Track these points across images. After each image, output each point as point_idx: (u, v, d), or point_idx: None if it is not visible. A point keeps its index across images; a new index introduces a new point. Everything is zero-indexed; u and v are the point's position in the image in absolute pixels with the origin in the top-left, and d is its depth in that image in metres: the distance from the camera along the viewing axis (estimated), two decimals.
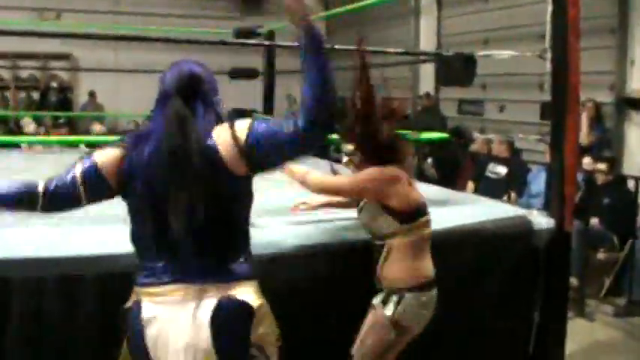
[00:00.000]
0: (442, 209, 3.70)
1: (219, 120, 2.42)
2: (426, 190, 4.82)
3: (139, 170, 2.36)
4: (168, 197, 2.30)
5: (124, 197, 2.45)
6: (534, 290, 3.90)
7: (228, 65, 8.38)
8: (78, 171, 2.39)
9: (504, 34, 9.60)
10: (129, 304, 2.41)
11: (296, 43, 2.36)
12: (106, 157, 2.41)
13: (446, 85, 5.99)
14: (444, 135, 4.45)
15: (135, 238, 2.44)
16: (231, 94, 9.90)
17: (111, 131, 11.50)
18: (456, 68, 4.22)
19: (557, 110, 4.00)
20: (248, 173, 2.39)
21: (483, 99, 10.97)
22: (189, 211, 2.28)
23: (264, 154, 2.33)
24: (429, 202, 4.08)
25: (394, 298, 2.95)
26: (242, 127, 2.35)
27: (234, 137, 2.32)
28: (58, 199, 2.41)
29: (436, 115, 11.21)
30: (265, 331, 2.42)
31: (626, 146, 8.18)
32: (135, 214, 2.42)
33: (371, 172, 3.00)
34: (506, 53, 4.82)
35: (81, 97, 14.83)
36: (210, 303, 2.31)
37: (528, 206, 7.18)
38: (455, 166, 8.63)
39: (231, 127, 2.36)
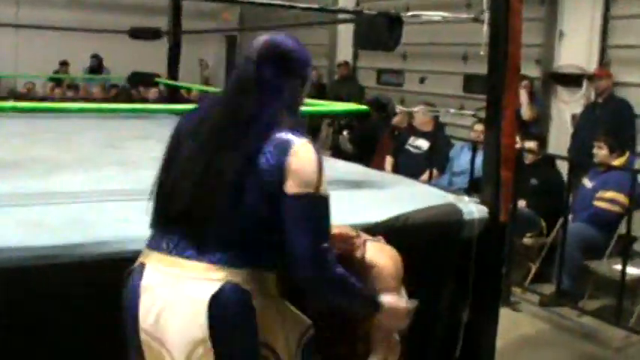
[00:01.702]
0: (360, 194, 3.18)
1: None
2: (341, 168, 4.37)
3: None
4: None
5: None
6: (463, 289, 3.41)
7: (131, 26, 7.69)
8: None
9: (427, 1, 9.12)
10: (135, 264, 2.18)
11: None
12: None
13: (365, 48, 5.39)
14: (363, 107, 3.85)
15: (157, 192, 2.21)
16: (134, 56, 9.37)
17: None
18: (379, 29, 3.63)
19: (495, 82, 3.48)
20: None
21: (403, 69, 10.57)
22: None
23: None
24: (344, 182, 3.58)
25: None
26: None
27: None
28: None
29: (354, 86, 10.84)
30: (277, 327, 2.15)
31: (553, 124, 7.84)
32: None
33: None
34: (437, 14, 4.27)
35: None
36: (211, 286, 2.02)
37: (450, 184, 6.85)
38: (373, 140, 8.11)
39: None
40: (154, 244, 2.15)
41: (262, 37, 2.19)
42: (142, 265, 2.13)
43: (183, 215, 2.09)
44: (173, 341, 2.04)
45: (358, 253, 2.43)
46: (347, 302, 2.23)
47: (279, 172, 2.02)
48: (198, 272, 2.04)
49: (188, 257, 2.07)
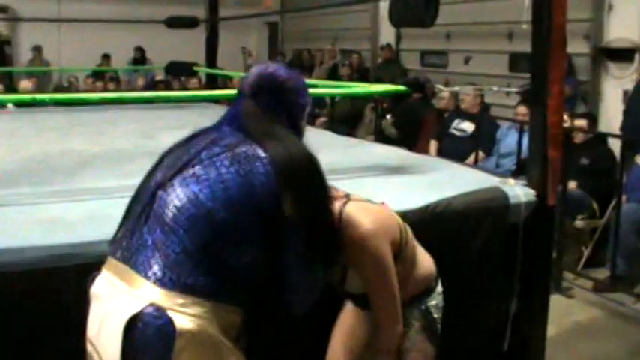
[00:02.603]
0: (397, 180, 3.02)
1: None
2: (384, 153, 4.21)
3: None
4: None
5: None
6: (511, 277, 3.23)
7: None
8: None
9: None
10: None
11: None
12: None
13: (400, 25, 5.20)
14: (400, 87, 3.68)
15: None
16: (175, 47, 9.33)
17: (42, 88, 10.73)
18: (415, 5, 3.45)
19: (539, 58, 3.29)
20: None
21: (447, 50, 10.41)
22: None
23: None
24: (383, 167, 3.42)
25: None
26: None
27: None
28: None
29: (397, 68, 10.70)
30: None
31: (603, 102, 7.58)
32: None
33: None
34: None
35: (21, 52, 13.91)
36: (136, 305, 1.82)
37: (497, 167, 6.64)
38: (417, 124, 7.90)
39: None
40: (111, 249, 2.01)
41: (254, 70, 2.13)
42: (99, 272, 1.99)
43: (138, 219, 1.96)
44: (106, 356, 1.87)
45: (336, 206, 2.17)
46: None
47: (272, 189, 1.92)
48: (133, 285, 1.86)
49: (131, 266, 1.89)
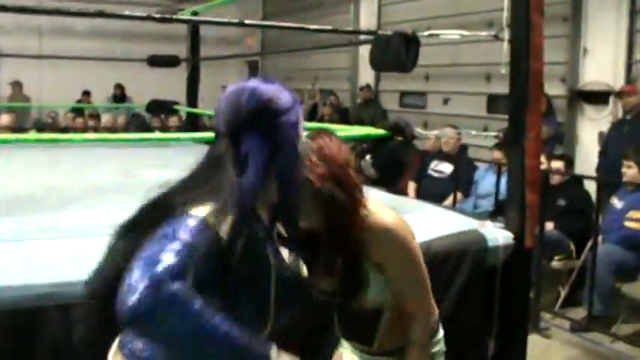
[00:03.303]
0: None
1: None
2: None
3: None
4: None
5: None
6: (489, 319, 3.26)
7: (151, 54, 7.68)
8: None
9: (449, 22, 9.01)
10: None
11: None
12: None
13: (381, 69, 5.25)
14: (382, 132, 3.72)
15: None
16: (156, 84, 9.33)
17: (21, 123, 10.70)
18: (396, 50, 3.51)
19: (517, 101, 3.36)
20: None
21: (426, 91, 10.49)
22: None
23: None
24: None
25: None
26: None
27: None
28: None
29: (376, 109, 10.77)
30: None
31: (579, 143, 7.67)
32: None
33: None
34: (455, 33, 4.14)
35: (1, 87, 13.88)
36: None
37: (476, 207, 6.69)
38: (396, 164, 7.96)
39: None
40: None
41: (227, 100, 1.79)
42: None
43: None
44: None
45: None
46: None
47: None
48: None
49: None
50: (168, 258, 1.52)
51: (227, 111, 1.75)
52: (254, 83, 1.78)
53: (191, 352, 1.54)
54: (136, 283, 1.48)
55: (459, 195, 6.82)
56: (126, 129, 10.20)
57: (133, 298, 1.46)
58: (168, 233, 1.59)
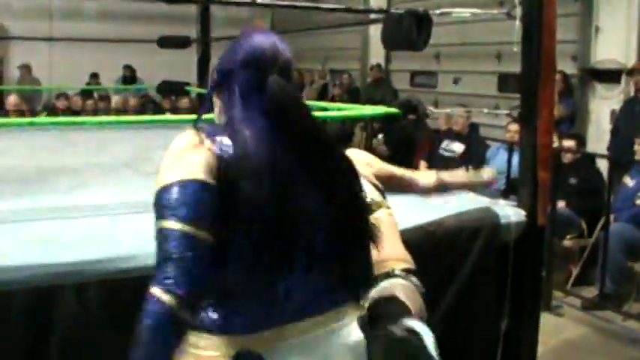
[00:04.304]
0: (394, 200, 3.04)
1: None
2: None
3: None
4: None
5: None
6: (502, 297, 3.26)
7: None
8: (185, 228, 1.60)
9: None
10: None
11: None
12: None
13: (393, 48, 5.25)
14: (393, 110, 3.72)
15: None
16: (166, 66, 9.33)
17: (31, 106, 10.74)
18: (407, 29, 3.50)
19: (529, 80, 3.34)
20: None
21: (437, 70, 10.46)
22: None
23: None
24: (378, 187, 3.48)
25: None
26: None
27: None
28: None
29: (387, 88, 10.74)
30: None
31: (591, 122, 7.64)
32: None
33: None
34: (466, 11, 4.13)
35: (12, 70, 13.91)
36: (354, 328, 1.84)
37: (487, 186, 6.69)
38: (408, 143, 7.96)
39: None
40: (254, 323, 1.75)
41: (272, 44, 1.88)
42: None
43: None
44: None
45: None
46: None
47: None
48: (339, 321, 1.82)
49: (325, 310, 1.82)
50: None
51: (271, 56, 1.84)
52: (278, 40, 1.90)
53: None
54: None
55: None
56: (140, 112, 10.20)
57: None
58: None
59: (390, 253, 2.31)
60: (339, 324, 1.80)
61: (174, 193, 1.62)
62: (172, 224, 1.58)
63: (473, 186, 2.73)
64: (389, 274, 2.28)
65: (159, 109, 10.21)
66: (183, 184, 1.63)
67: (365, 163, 2.53)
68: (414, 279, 2.27)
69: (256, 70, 1.79)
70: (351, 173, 1.86)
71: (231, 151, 1.70)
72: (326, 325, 1.78)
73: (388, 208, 2.52)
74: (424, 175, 2.66)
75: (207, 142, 1.72)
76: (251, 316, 1.72)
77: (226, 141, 1.72)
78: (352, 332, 1.82)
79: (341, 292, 1.83)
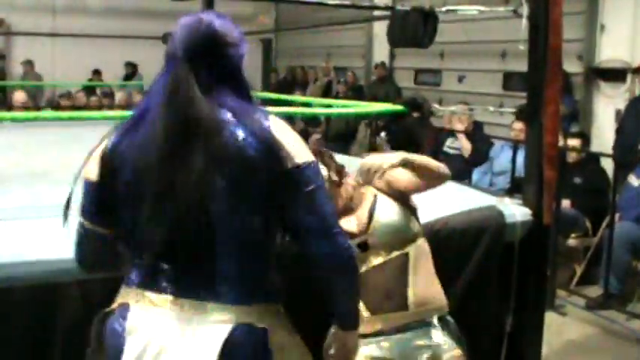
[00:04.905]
0: None
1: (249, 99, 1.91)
2: None
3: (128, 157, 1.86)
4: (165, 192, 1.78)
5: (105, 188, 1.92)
6: (507, 295, 3.25)
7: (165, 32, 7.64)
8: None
9: None
10: (113, 306, 1.91)
11: None
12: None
13: (399, 45, 5.23)
14: (398, 108, 3.71)
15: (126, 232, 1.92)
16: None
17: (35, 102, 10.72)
18: (413, 26, 3.49)
19: (535, 77, 3.33)
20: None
21: (441, 69, 10.44)
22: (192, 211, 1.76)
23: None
24: None
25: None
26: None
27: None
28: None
29: (391, 86, 10.73)
30: None
31: (595, 121, 7.62)
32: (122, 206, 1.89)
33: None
34: (473, 9, 4.11)
35: (15, 66, 13.92)
36: (221, 330, 1.79)
37: (491, 184, 6.67)
38: (411, 142, 7.93)
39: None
40: (140, 282, 1.88)
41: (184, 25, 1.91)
42: (125, 306, 1.87)
43: (173, 249, 1.82)
44: None
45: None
46: (349, 294, 1.98)
47: (269, 151, 1.80)
48: (202, 314, 1.81)
49: (194, 297, 1.82)
50: None
51: (185, 39, 1.85)
52: (210, 16, 1.91)
53: None
54: None
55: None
56: None
57: None
58: None
59: (428, 294, 2.37)
60: (198, 317, 1.81)
61: None
62: None
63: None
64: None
65: None
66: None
67: (403, 187, 2.49)
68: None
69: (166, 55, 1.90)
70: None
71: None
72: (185, 311, 1.82)
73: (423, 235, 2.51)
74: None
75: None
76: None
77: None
78: (211, 330, 1.80)
79: (207, 288, 1.84)
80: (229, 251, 1.83)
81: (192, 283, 1.83)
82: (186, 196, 1.75)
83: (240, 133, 1.79)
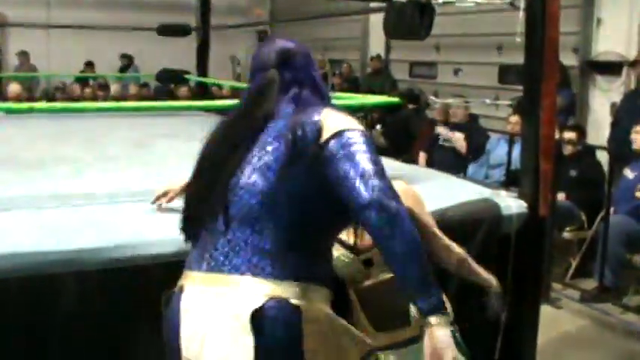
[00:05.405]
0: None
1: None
2: None
3: None
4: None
5: None
6: (502, 288, 3.24)
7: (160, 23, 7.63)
8: None
9: None
10: (175, 288, 2.00)
11: None
12: None
13: (395, 37, 5.21)
14: (395, 99, 3.70)
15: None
16: (164, 53, 9.31)
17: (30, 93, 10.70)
18: (410, 18, 3.48)
19: (532, 70, 3.32)
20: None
21: (436, 61, 10.42)
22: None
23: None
24: None
25: None
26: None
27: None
28: None
29: (386, 79, 10.72)
30: (331, 351, 1.93)
31: (591, 114, 7.63)
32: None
33: None
34: (469, 1, 4.10)
35: (10, 58, 13.86)
36: (253, 302, 1.83)
37: (487, 177, 6.68)
38: (407, 134, 7.94)
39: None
40: (190, 263, 1.99)
41: (274, 46, 2.21)
42: (181, 288, 1.96)
43: (215, 224, 1.94)
44: None
45: None
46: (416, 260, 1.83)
47: (314, 132, 1.91)
48: (239, 288, 1.86)
49: (228, 272, 1.89)
50: None
51: (263, 57, 2.18)
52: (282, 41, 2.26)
53: None
54: None
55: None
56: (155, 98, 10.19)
57: None
58: None
59: None
60: (229, 288, 1.87)
61: None
62: None
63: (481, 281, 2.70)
64: None
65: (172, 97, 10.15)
66: None
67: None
68: None
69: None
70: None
71: None
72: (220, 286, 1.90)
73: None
74: (457, 248, 2.59)
75: None
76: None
77: None
78: (243, 301, 1.84)
79: (242, 261, 1.90)
80: (275, 226, 1.90)
81: (227, 257, 1.91)
82: (231, 171, 1.94)
83: (293, 120, 1.95)
